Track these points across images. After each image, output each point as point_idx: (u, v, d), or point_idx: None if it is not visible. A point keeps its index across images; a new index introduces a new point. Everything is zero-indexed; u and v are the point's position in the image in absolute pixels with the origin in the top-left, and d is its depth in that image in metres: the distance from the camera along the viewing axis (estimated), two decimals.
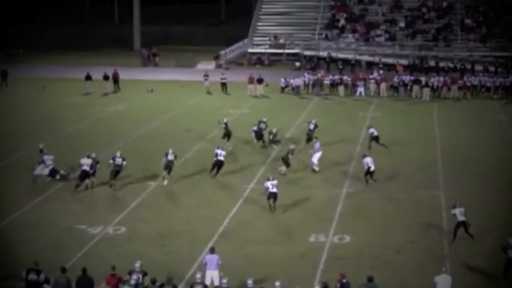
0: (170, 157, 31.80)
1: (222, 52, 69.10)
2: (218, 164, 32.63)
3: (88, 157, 31.07)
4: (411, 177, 33.01)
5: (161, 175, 31.98)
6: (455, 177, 32.97)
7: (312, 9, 74.86)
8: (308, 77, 55.29)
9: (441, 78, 54.19)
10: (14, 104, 49.74)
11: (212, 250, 21.91)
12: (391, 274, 22.68)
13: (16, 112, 46.86)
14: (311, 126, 37.59)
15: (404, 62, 62.98)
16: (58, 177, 31.28)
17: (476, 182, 32.16)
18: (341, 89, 53.70)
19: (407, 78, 54.12)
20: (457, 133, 41.91)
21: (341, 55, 65.84)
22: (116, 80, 55.03)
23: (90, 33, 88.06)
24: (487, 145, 39.08)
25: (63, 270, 20.30)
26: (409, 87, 53.34)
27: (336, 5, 74.30)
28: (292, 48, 69.66)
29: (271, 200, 28.29)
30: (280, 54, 70.12)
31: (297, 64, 66.57)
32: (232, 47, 70.73)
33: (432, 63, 62.59)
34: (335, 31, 70.40)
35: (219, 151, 32.73)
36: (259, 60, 69.24)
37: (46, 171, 31.04)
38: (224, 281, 19.93)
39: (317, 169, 33.47)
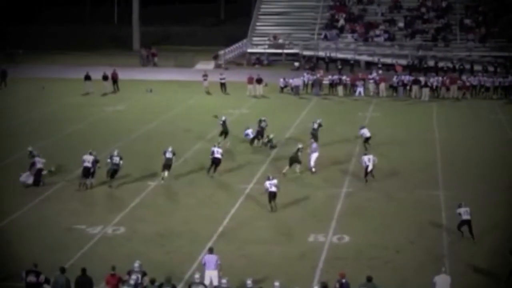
0: (168, 155, 31.88)
1: (221, 52, 69.11)
2: (216, 162, 32.69)
3: (91, 154, 31.19)
4: (411, 177, 33.03)
5: (160, 176, 32.04)
6: (454, 177, 32.99)
7: (311, 9, 74.89)
8: (307, 77, 55.31)
9: (440, 78, 54.28)
10: (14, 104, 49.74)
11: (210, 250, 21.91)
12: (391, 274, 22.68)
13: (16, 112, 46.85)
14: (315, 126, 37.68)
15: (403, 62, 63.05)
16: (42, 184, 31.30)
17: (476, 182, 32.18)
18: (340, 89, 53.72)
19: (406, 78, 54.14)
20: (456, 133, 41.94)
21: (340, 55, 65.90)
22: (115, 80, 55.02)
23: (90, 33, 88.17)
24: (487, 145, 39.10)
25: (63, 270, 20.28)
26: (408, 87, 53.37)
27: (335, 5, 74.32)
28: (291, 48, 69.68)
29: (272, 201, 28.33)
30: (279, 54, 70.13)
31: (296, 64, 66.60)
32: (231, 47, 70.73)
33: (431, 63, 62.62)
34: (334, 31, 70.41)
35: (215, 149, 32.81)
36: (258, 60, 69.26)
37: (31, 180, 31.09)
38: (224, 281, 19.92)
39: (313, 170, 33.48)
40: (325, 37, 69.77)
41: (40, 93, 53.87)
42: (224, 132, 37.79)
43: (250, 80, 53.67)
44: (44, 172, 31.61)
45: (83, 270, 20.28)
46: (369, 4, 74.24)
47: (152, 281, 19.75)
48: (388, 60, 64.27)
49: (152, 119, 44.93)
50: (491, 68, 59.92)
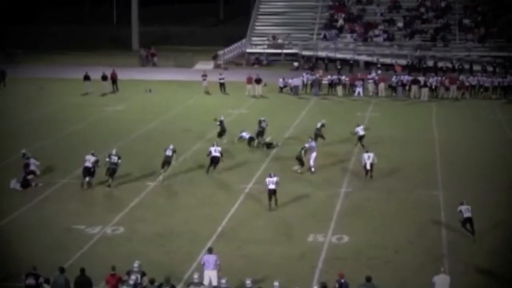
0: (168, 152, 32.08)
1: (221, 52, 69.12)
2: (214, 161, 32.77)
3: (93, 155, 31.24)
4: (410, 177, 33.05)
5: (160, 175, 32.10)
6: (454, 177, 33.00)
7: (310, 9, 74.88)
8: (306, 77, 55.32)
9: (439, 78, 54.32)
10: (13, 104, 49.75)
11: (210, 251, 21.92)
12: (390, 274, 22.69)
13: (16, 112, 46.85)
14: (319, 125, 37.78)
15: (403, 62, 63.06)
16: (35, 184, 31.32)
17: (475, 182, 32.19)
18: (339, 89, 53.74)
19: (405, 78, 54.14)
20: (455, 133, 41.96)
21: (339, 55, 65.91)
22: (114, 80, 55.02)
23: (89, 34, 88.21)
24: (486, 145, 39.12)
25: (62, 270, 20.30)
26: (407, 87, 53.38)
27: (334, 5, 74.31)
28: (291, 48, 69.67)
29: (271, 199, 28.38)
30: (279, 54, 70.12)
31: (296, 64, 66.60)
32: (231, 47, 70.75)
33: (430, 63, 62.64)
34: (334, 31, 70.41)
35: (213, 148, 32.92)
36: (257, 60, 69.26)
37: (18, 186, 31.09)
38: (223, 281, 19.94)
39: (313, 170, 33.49)
40: (324, 37, 69.78)
41: (40, 93, 53.87)
42: (222, 132, 37.94)
43: (249, 80, 53.68)
44: (38, 173, 31.64)
45: (82, 270, 20.28)
46: (368, 4, 74.25)
47: (152, 281, 19.76)
48: (387, 60, 64.30)
49: (152, 119, 44.95)
50: (490, 68, 59.93)
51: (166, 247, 25.07)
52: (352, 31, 70.40)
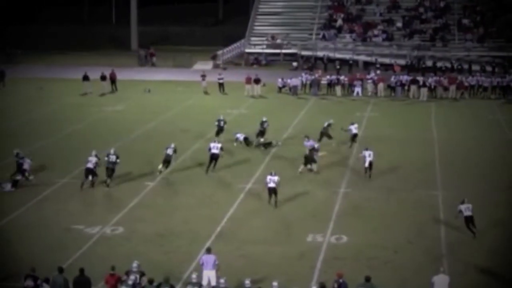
0: (169, 151, 32.27)
1: (220, 52, 69.14)
2: (214, 158, 32.84)
3: (96, 156, 31.26)
4: (409, 177, 33.05)
5: (159, 172, 32.19)
6: (453, 177, 33.01)
7: (310, 9, 74.90)
8: (305, 77, 55.33)
9: (437, 78, 54.34)
10: (13, 104, 49.75)
11: (208, 251, 21.92)
12: (390, 274, 22.69)
13: (16, 112, 46.86)
14: (326, 124, 37.89)
15: (402, 62, 63.11)
16: (30, 178, 31.35)
17: (474, 182, 32.20)
18: (338, 89, 53.76)
19: (404, 78, 54.17)
20: (454, 133, 41.97)
21: (338, 55, 65.93)
22: (113, 80, 55.02)
23: (89, 34, 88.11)
24: (485, 145, 39.13)
25: (61, 270, 20.30)
26: (406, 87, 53.39)
27: (333, 5, 74.33)
28: (290, 48, 69.68)
29: (271, 197, 28.49)
30: (278, 54, 70.13)
31: (295, 64, 66.64)
32: (230, 47, 70.76)
33: (429, 63, 62.67)
34: (333, 31, 70.41)
35: (212, 145, 33.07)
36: (256, 60, 69.27)
37: (9, 187, 31.07)
38: (222, 281, 19.94)
39: (315, 169, 33.49)
40: (323, 37, 69.77)
41: (40, 93, 53.86)
42: (220, 131, 38.14)
43: (248, 80, 53.68)
44: (30, 177, 31.65)
45: (81, 270, 20.28)
46: (367, 4, 74.26)
47: (150, 281, 19.76)
48: (386, 60, 64.36)
49: (151, 119, 44.95)
50: (489, 68, 59.99)
51: (165, 247, 25.06)
52: (351, 31, 70.41)
